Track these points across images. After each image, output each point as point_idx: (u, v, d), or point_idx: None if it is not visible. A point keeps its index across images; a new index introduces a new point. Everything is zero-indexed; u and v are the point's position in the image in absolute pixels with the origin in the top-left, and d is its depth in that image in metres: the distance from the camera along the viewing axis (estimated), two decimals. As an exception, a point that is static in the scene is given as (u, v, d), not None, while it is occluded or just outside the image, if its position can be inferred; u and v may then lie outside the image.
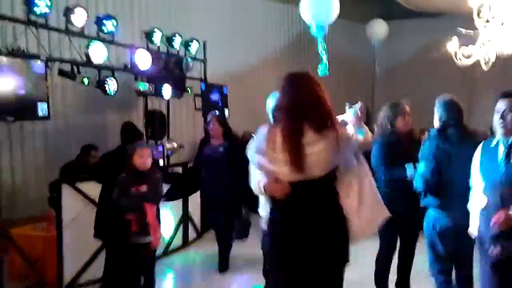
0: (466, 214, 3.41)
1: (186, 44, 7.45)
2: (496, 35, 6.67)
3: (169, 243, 6.61)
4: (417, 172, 3.93)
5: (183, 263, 6.44)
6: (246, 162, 3.17)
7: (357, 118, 3.09)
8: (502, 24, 6.51)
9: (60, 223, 5.06)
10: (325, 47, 6.74)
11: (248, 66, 10.37)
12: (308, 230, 2.83)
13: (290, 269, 2.88)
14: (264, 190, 2.92)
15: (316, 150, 2.76)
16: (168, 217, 6.44)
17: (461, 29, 6.77)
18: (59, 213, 5.07)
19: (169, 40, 7.14)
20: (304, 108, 2.80)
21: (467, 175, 3.36)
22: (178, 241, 6.81)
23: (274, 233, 2.98)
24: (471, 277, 3.90)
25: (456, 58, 7.30)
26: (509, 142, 3.11)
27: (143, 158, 4.48)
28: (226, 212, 5.76)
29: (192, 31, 8.09)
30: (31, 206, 6.31)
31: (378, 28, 11.96)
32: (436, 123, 3.95)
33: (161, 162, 6.95)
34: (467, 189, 3.38)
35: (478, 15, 6.42)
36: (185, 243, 6.96)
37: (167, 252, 6.53)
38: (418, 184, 3.92)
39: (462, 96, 4.39)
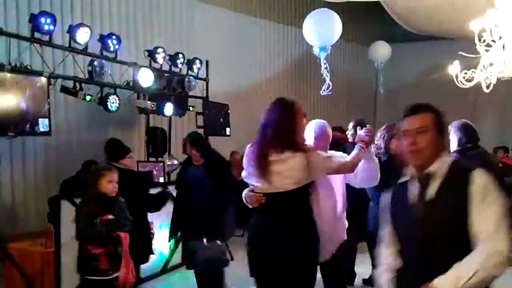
0: None
1: (189, 63, 7.50)
2: (497, 59, 6.71)
3: (168, 261, 6.58)
4: None
5: (182, 282, 6.39)
6: (230, 181, 3.52)
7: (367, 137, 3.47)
8: (504, 48, 6.55)
9: (59, 239, 5.03)
10: (328, 67, 6.81)
11: (250, 85, 10.43)
12: (277, 236, 3.21)
13: (262, 273, 3.29)
14: (246, 200, 3.38)
15: (285, 167, 3.13)
16: (165, 234, 6.41)
17: (462, 53, 6.80)
18: (58, 229, 5.04)
19: (172, 59, 7.20)
20: (270, 130, 3.21)
21: None
22: (177, 258, 6.77)
23: (249, 237, 3.41)
24: None
25: (458, 81, 7.33)
26: (423, 177, 2.21)
27: (113, 183, 3.92)
28: (209, 236, 4.95)
29: (195, 50, 8.16)
30: (30, 221, 6.32)
31: (381, 50, 12.06)
32: (453, 146, 4.00)
33: (161, 179, 6.96)
34: None
35: (479, 39, 6.47)
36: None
37: (165, 270, 6.50)
38: None
39: (464, 119, 4.44)
